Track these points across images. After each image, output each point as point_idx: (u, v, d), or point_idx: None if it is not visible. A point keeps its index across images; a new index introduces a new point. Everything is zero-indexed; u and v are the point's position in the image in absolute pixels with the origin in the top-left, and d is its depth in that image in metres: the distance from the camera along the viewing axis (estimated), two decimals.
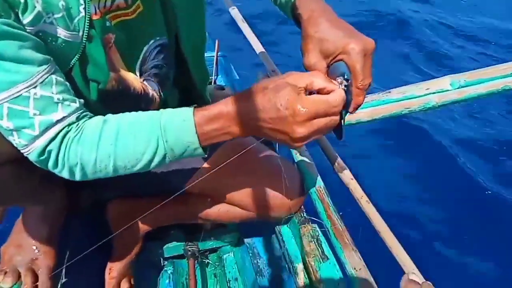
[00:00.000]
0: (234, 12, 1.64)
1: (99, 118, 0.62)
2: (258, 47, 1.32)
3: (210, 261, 1.22)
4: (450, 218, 1.68)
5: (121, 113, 0.63)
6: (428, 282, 0.70)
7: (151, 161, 0.61)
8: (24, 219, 0.89)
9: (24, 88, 0.54)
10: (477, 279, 1.45)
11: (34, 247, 0.86)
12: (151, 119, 0.61)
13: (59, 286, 0.82)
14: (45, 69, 0.56)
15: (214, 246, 1.21)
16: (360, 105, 0.64)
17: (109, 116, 0.63)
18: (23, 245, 0.87)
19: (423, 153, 2.02)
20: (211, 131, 0.60)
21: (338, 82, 0.60)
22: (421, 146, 2.07)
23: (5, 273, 0.83)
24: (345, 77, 0.61)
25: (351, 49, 0.61)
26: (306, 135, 0.57)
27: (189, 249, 1.17)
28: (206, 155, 0.64)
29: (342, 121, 0.62)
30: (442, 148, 2.03)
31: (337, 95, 0.58)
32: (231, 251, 1.25)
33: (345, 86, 0.60)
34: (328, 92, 0.58)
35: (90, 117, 0.63)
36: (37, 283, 0.85)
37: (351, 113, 0.65)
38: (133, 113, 0.63)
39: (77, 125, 0.60)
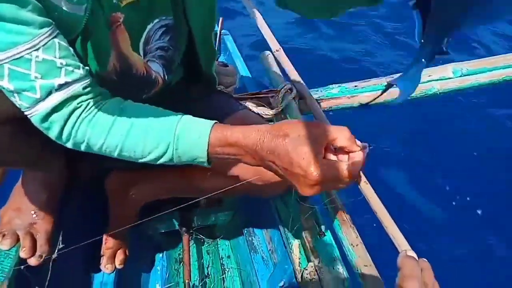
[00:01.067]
0: None
1: (116, 104, 0.62)
2: (262, 25, 1.31)
3: (204, 238, 1.23)
4: (446, 202, 1.69)
5: (140, 104, 0.64)
6: (424, 258, 0.71)
7: (156, 160, 0.62)
8: (24, 183, 0.88)
9: (25, 50, 0.53)
10: (470, 267, 1.47)
11: (33, 212, 0.86)
12: (167, 122, 0.61)
13: (56, 251, 0.82)
14: (47, 31, 0.54)
15: (208, 223, 1.22)
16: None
17: (127, 105, 0.63)
18: (22, 209, 0.86)
19: (422, 136, 2.00)
20: (222, 153, 0.61)
21: (361, 144, 0.60)
22: (420, 129, 2.05)
23: (4, 235, 0.83)
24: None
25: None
26: (312, 193, 0.59)
27: (184, 225, 1.18)
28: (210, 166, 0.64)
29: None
30: (441, 132, 2.03)
31: (352, 165, 0.58)
32: (225, 229, 1.26)
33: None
34: (348, 152, 0.59)
35: (101, 94, 0.62)
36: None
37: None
38: (152, 108, 0.64)
39: (88, 104, 0.59)
